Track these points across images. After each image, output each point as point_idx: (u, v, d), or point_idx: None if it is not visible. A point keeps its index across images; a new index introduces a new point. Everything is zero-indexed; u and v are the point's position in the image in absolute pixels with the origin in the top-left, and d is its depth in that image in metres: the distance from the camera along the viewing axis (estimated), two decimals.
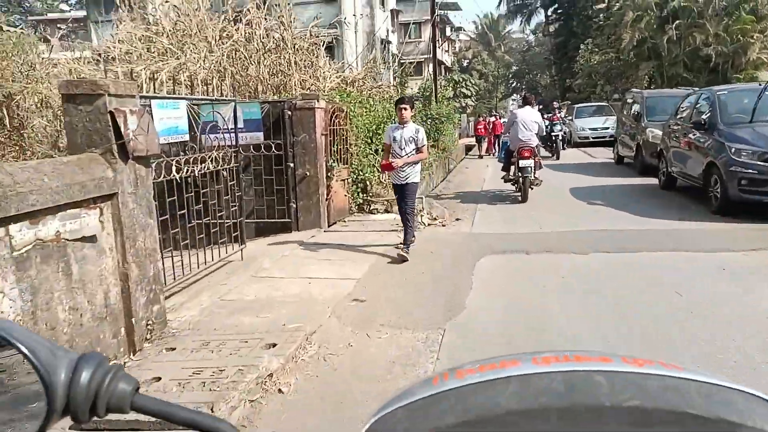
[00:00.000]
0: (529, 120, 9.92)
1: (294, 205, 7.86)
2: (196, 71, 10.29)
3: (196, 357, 3.83)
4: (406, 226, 6.36)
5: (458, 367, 0.57)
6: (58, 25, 12.91)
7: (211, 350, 3.92)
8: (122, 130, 3.69)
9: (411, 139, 6.23)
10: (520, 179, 9.97)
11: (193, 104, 7.30)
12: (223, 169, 6.07)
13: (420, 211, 8.49)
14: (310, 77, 10.79)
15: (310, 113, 7.68)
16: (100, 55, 10.81)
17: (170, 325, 4.43)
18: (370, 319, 4.51)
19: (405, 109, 6.34)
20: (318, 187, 7.79)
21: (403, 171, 6.27)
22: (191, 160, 5.31)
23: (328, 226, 8.07)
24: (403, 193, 6.39)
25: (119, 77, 8.62)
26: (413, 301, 4.92)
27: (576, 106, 25.12)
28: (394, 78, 21.54)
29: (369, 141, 10.20)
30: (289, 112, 7.67)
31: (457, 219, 8.65)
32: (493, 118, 23.51)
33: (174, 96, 5.12)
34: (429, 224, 8.17)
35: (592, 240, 6.74)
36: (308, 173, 7.75)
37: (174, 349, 4.02)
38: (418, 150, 6.28)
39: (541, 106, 54.04)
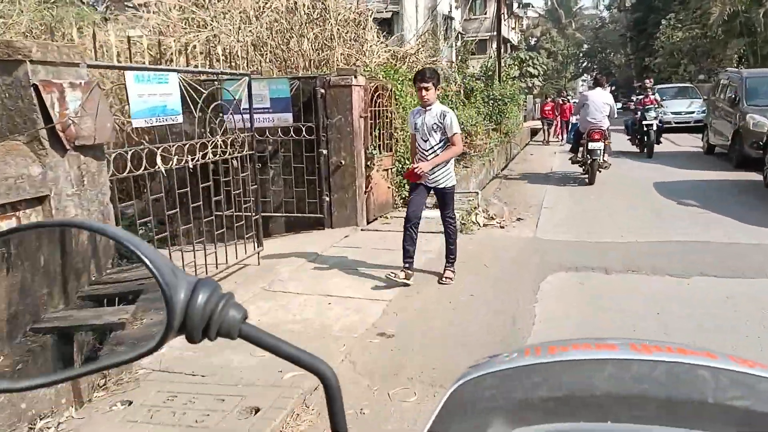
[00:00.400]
0: (600, 102, 9.68)
1: (327, 199, 6.79)
2: (231, 44, 9.37)
3: (152, 421, 2.82)
4: (448, 238, 4.95)
5: (550, 343, 0.55)
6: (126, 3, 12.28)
7: (173, 411, 2.90)
8: (53, 110, 2.68)
9: (436, 126, 4.59)
10: (588, 162, 9.80)
11: (211, 79, 6.32)
12: (232, 158, 5.04)
13: (474, 208, 7.25)
14: (356, 52, 9.65)
15: (346, 92, 6.55)
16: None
17: (140, 362, 3.45)
18: (395, 368, 3.38)
19: (426, 87, 4.53)
20: (354, 178, 6.68)
21: (430, 173, 4.66)
22: (185, 148, 4.30)
23: (367, 223, 6.96)
24: (437, 199, 4.97)
25: (144, 50, 7.71)
26: (456, 340, 3.75)
27: (656, 87, 22.85)
28: (457, 56, 20.11)
29: None
30: (322, 90, 6.56)
31: (519, 218, 7.36)
32: (561, 100, 20.95)
33: (158, 67, 4.09)
34: (485, 225, 6.92)
35: (691, 256, 5.34)
36: (343, 162, 6.65)
37: (131, 402, 3.03)
38: (447, 142, 4.63)
39: (613, 87, 50.89)
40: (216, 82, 6.29)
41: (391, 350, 3.60)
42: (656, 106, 13.34)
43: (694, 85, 21.81)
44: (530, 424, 0.49)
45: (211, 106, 4.99)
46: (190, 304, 0.49)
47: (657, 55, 30.98)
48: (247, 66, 8.99)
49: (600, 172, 9.93)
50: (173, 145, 4.14)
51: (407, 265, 4.74)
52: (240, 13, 9.53)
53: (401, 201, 7.67)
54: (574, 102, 17.28)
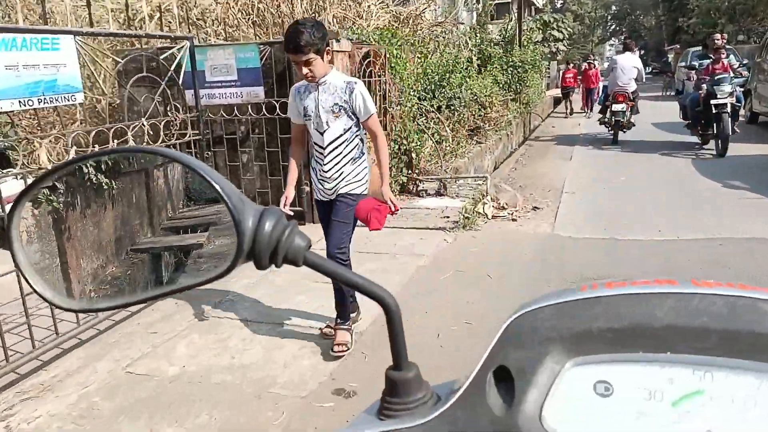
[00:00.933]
0: (629, 66, 10.20)
1: (308, 188, 5.78)
2: (209, 7, 8.30)
3: None
4: (339, 290, 3.20)
5: (606, 281, 0.54)
6: None
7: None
8: None
9: (337, 107, 2.96)
10: (612, 121, 10.55)
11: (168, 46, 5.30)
12: (175, 143, 4.05)
13: (483, 196, 6.18)
14: (352, 14, 8.52)
15: None
16: None
17: None
18: None
19: (306, 61, 2.81)
20: None
21: (325, 171, 3.05)
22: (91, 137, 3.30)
23: None
24: (329, 217, 3.10)
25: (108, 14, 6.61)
26: None
27: (690, 50, 21.08)
28: (478, 20, 18.68)
29: (420, 97, 7.89)
30: None
31: (534, 208, 6.28)
32: (588, 64, 18.37)
33: (38, 28, 3.06)
34: (494, 216, 5.87)
35: (754, 260, 4.24)
36: None
37: None
38: (358, 129, 3.06)
39: (643, 51, 48.38)
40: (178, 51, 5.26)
41: (348, 422, 2.63)
42: (731, 75, 8.79)
43: (733, 47, 20.09)
44: (588, 354, 0.49)
45: (163, 81, 3.99)
46: (258, 230, 0.50)
47: (691, 15, 28.91)
48: (229, 33, 7.94)
49: (624, 132, 10.74)
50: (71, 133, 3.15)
51: (340, 322, 3.22)
52: None
53: (399, 188, 6.64)
54: (606, 66, 15.76)
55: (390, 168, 6.59)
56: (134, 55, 4.64)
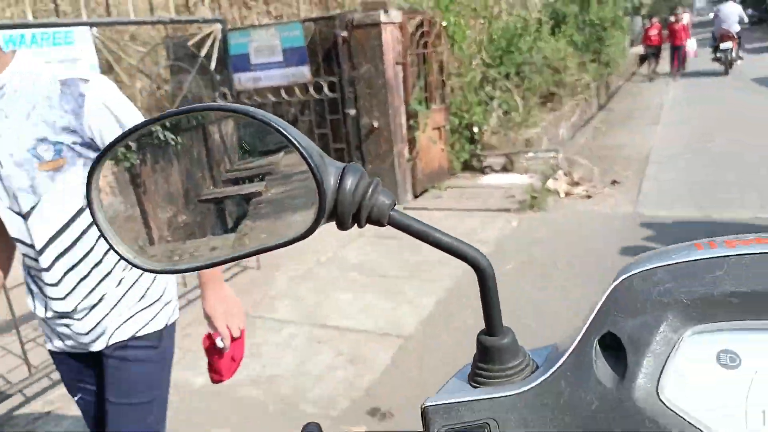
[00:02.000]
0: (731, 12, 13.44)
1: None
2: None
3: None
4: None
5: (727, 238, 0.48)
6: None
7: None
8: None
9: (55, 147, 1.28)
10: (722, 57, 13.31)
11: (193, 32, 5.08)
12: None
13: (554, 170, 5.59)
14: None
15: (375, 33, 5.05)
16: None
17: None
18: None
19: None
20: (392, 143, 5.25)
21: (60, 300, 1.37)
22: None
23: (414, 198, 5.56)
24: (92, 391, 1.54)
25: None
26: None
27: None
28: None
29: (488, 65, 7.29)
30: (344, 34, 5.09)
31: (614, 182, 5.60)
32: (672, 19, 15.60)
33: (52, 22, 2.84)
34: (567, 194, 5.27)
35: None
36: (376, 123, 5.22)
37: None
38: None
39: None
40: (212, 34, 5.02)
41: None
42: None
43: None
44: (710, 321, 0.45)
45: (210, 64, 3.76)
46: (340, 188, 0.47)
47: None
48: (279, 11, 7.66)
49: (731, 67, 13.14)
50: None
51: None
52: None
53: (461, 165, 6.15)
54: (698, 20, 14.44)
55: (451, 144, 6.25)
56: (177, 42, 4.45)
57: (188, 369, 2.92)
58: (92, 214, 0.53)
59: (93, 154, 1.30)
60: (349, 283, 3.79)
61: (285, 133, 0.47)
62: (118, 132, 1.22)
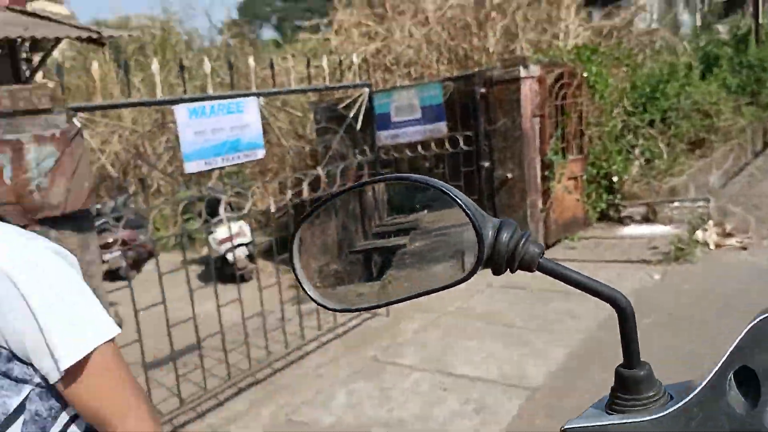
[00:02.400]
0: None
1: None
2: (402, 52, 8.63)
3: None
4: None
5: None
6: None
7: None
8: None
9: None
10: None
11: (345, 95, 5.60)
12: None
13: (703, 220, 5.29)
14: (545, 36, 8.12)
15: (513, 87, 5.24)
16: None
17: None
18: None
19: None
20: (526, 194, 5.33)
21: None
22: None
23: (546, 248, 5.54)
24: None
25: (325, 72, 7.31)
26: None
27: None
28: (702, 21, 16.64)
29: (629, 113, 7.12)
30: (482, 90, 5.34)
31: None
32: None
33: (225, 94, 3.38)
34: (717, 245, 4.96)
35: None
36: (510, 175, 5.35)
37: None
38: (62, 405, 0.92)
39: None
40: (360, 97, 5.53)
41: None
42: None
43: None
44: None
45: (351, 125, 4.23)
46: (497, 240, 0.54)
47: None
48: (419, 73, 8.14)
49: None
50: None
51: None
52: (412, 17, 8.74)
53: (597, 216, 6.02)
54: None
55: (588, 194, 6.16)
56: (325, 105, 4.98)
57: (320, 408, 3.19)
58: (293, 267, 0.62)
59: (22, 370, 0.88)
60: (475, 332, 3.89)
61: (453, 195, 0.55)
62: (51, 341, 0.86)
